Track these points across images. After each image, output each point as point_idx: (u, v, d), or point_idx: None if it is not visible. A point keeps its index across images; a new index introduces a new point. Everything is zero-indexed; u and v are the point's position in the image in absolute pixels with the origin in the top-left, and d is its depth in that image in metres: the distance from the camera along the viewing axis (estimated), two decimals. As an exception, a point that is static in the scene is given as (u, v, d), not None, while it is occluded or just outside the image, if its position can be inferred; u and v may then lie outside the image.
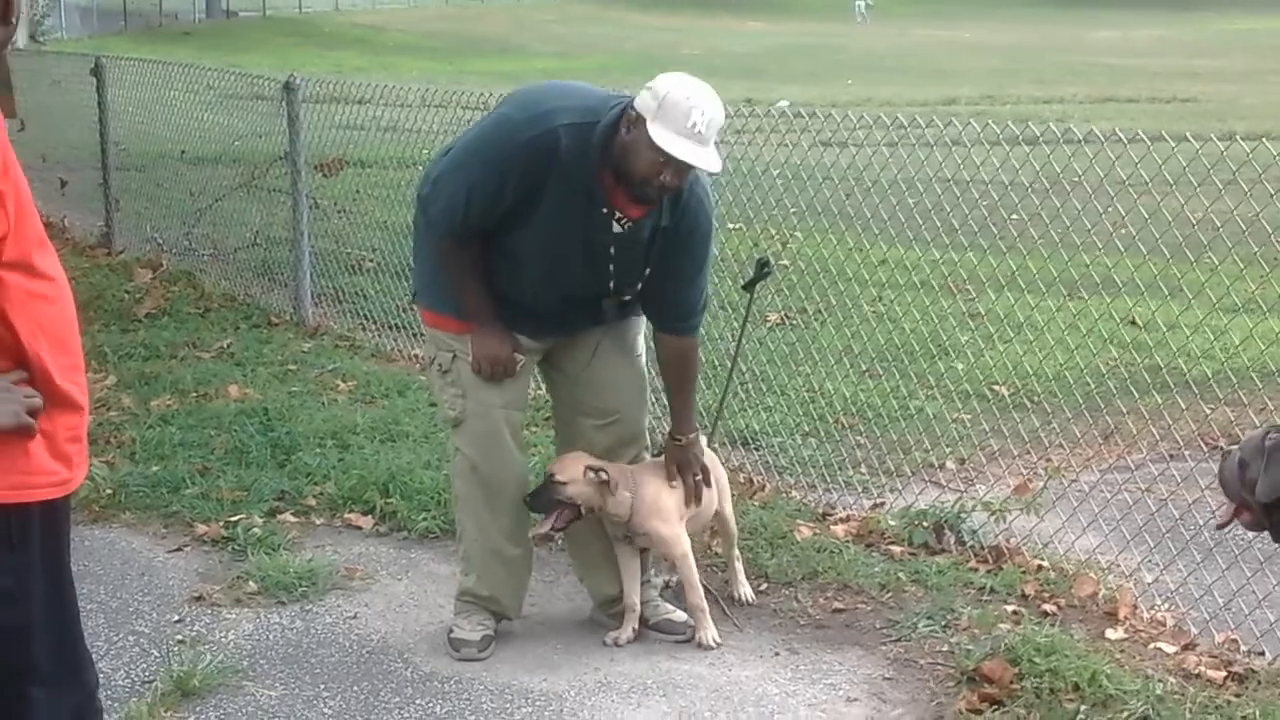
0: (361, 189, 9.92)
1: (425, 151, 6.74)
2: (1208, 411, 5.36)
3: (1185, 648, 4.32)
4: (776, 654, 4.42)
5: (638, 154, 3.88)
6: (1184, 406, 5.43)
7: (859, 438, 6.24)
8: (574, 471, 4.26)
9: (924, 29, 53.73)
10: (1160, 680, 4.09)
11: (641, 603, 4.47)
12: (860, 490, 5.71)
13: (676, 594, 4.66)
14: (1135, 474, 5.50)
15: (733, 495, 4.90)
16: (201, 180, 10.28)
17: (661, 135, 3.82)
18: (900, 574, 4.88)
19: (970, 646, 4.30)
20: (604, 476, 4.24)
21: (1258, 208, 4.74)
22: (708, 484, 4.50)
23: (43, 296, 2.65)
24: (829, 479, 5.78)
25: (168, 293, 9.09)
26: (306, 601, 4.75)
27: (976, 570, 4.91)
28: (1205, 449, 5.62)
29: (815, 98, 24.06)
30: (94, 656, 3.07)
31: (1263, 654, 4.29)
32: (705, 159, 3.88)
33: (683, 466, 4.44)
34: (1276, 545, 2.94)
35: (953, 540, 5.13)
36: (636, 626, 4.46)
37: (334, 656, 4.38)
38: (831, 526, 5.33)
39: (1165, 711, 3.93)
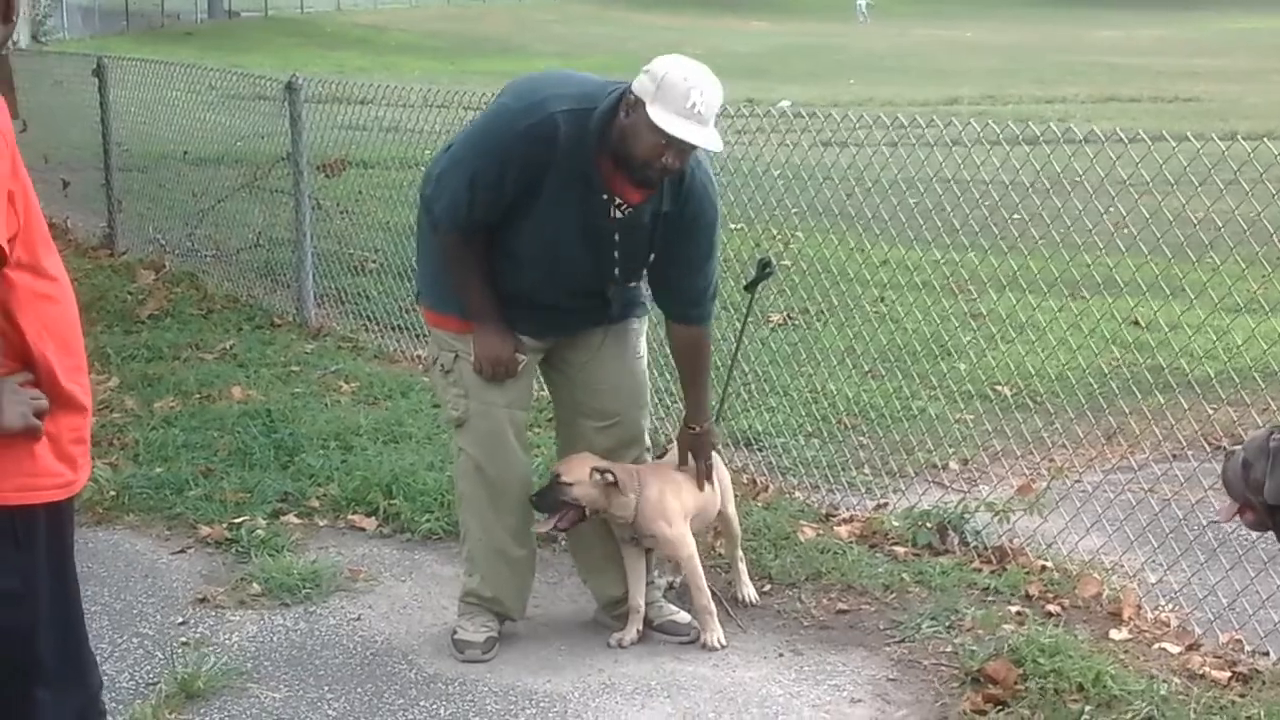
0: (364, 189, 9.93)
1: (427, 152, 6.73)
2: (1210, 411, 5.36)
3: (1189, 648, 4.32)
4: (780, 655, 4.42)
5: (638, 137, 3.89)
6: (1187, 406, 5.43)
7: (862, 438, 6.24)
8: (580, 473, 4.26)
9: (925, 29, 53.72)
10: (1165, 681, 4.09)
11: (646, 604, 4.47)
12: (863, 491, 5.71)
13: (680, 595, 4.66)
14: (1138, 474, 5.50)
15: (736, 496, 4.90)
16: (204, 181, 10.28)
17: (661, 116, 3.82)
18: (904, 575, 4.88)
19: (974, 647, 4.29)
20: (610, 478, 4.24)
21: (1259, 207, 4.74)
22: (710, 479, 4.51)
23: (48, 297, 2.66)
24: (832, 480, 5.78)
25: (170, 294, 9.09)
26: (310, 603, 4.75)
27: (980, 571, 4.91)
28: (1208, 449, 5.62)
29: (816, 98, 24.07)
30: (98, 658, 3.09)
31: (1267, 654, 4.29)
32: (706, 138, 3.89)
33: (696, 454, 4.47)
34: (1280, 546, 2.94)
35: (956, 541, 5.13)
36: (641, 628, 4.46)
37: (338, 658, 4.38)
38: (835, 527, 5.33)
39: (1170, 712, 3.93)
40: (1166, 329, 6.22)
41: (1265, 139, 4.87)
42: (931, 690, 4.17)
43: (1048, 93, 28.24)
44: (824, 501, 5.62)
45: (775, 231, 6.93)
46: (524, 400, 4.38)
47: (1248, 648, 4.33)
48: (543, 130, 3.94)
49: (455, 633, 4.44)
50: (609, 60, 35.07)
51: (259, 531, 5.21)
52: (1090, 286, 6.21)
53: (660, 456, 4.62)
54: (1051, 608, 4.62)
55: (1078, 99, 26.98)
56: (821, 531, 5.28)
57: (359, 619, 4.67)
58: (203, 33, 43.03)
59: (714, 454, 4.73)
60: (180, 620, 4.62)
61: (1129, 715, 3.92)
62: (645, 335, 4.53)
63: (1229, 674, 4.14)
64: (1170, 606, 4.62)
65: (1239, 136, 5.14)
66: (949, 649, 4.37)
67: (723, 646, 4.42)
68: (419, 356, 7.59)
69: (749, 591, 4.75)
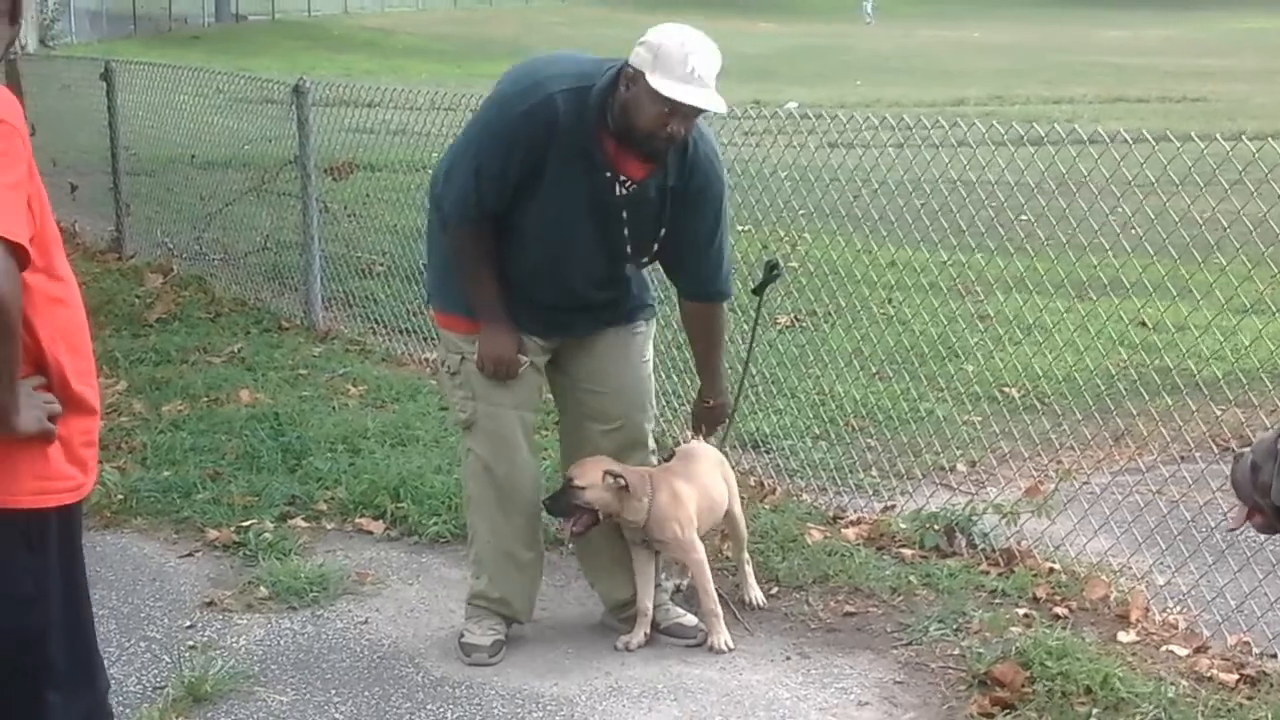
0: (371, 193, 9.93)
1: (435, 155, 6.73)
2: (1218, 413, 5.35)
3: (1197, 650, 4.31)
4: (787, 658, 4.42)
5: (641, 108, 3.90)
6: (1194, 408, 5.42)
7: (869, 440, 6.24)
8: (593, 476, 4.26)
9: (930, 29, 53.67)
10: (1172, 683, 4.09)
11: (653, 607, 4.47)
12: (871, 493, 5.71)
13: (687, 598, 4.66)
14: (1146, 476, 5.49)
15: (743, 498, 4.90)
16: (212, 184, 10.30)
17: (662, 84, 3.84)
18: (911, 577, 4.88)
19: (981, 650, 4.29)
20: (623, 482, 4.24)
21: (1266, 207, 4.73)
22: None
23: (60, 300, 2.69)
24: (840, 482, 5.77)
25: (178, 297, 9.10)
26: (318, 607, 4.75)
27: (988, 573, 4.91)
28: (1216, 450, 5.60)
29: (823, 99, 24.04)
30: (105, 662, 3.09)
31: (1275, 656, 4.28)
32: (709, 100, 3.89)
33: (708, 426, 4.59)
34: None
35: (964, 543, 5.12)
36: (648, 631, 4.46)
37: (345, 662, 4.38)
38: (842, 530, 5.32)
39: (1177, 715, 3.93)
40: (1174, 330, 6.20)
41: (1272, 139, 4.85)
42: (939, 693, 4.17)
43: (1055, 93, 28.19)
44: (831, 504, 5.61)
45: (783, 233, 6.93)
46: (532, 402, 4.38)
47: (1256, 650, 4.32)
48: (542, 111, 3.96)
49: (462, 636, 4.44)
50: (616, 62, 34.98)
51: (266, 535, 5.21)
52: (1097, 287, 6.17)
53: (667, 459, 4.62)
54: (1059, 610, 4.61)
55: (1085, 99, 26.93)
56: (829, 534, 5.27)
57: (366, 622, 4.67)
58: (210, 36, 43.04)
59: (721, 456, 4.74)
60: (188, 624, 4.63)
61: (1136, 718, 3.92)
62: (652, 339, 4.53)
63: (1237, 676, 4.13)
64: (1178, 609, 4.61)
65: (1246, 136, 5.14)
66: (956, 651, 4.37)
67: (730, 649, 4.42)
68: (427, 359, 7.59)
69: (756, 594, 4.75)
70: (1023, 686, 4.06)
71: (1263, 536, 3.42)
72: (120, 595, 4.83)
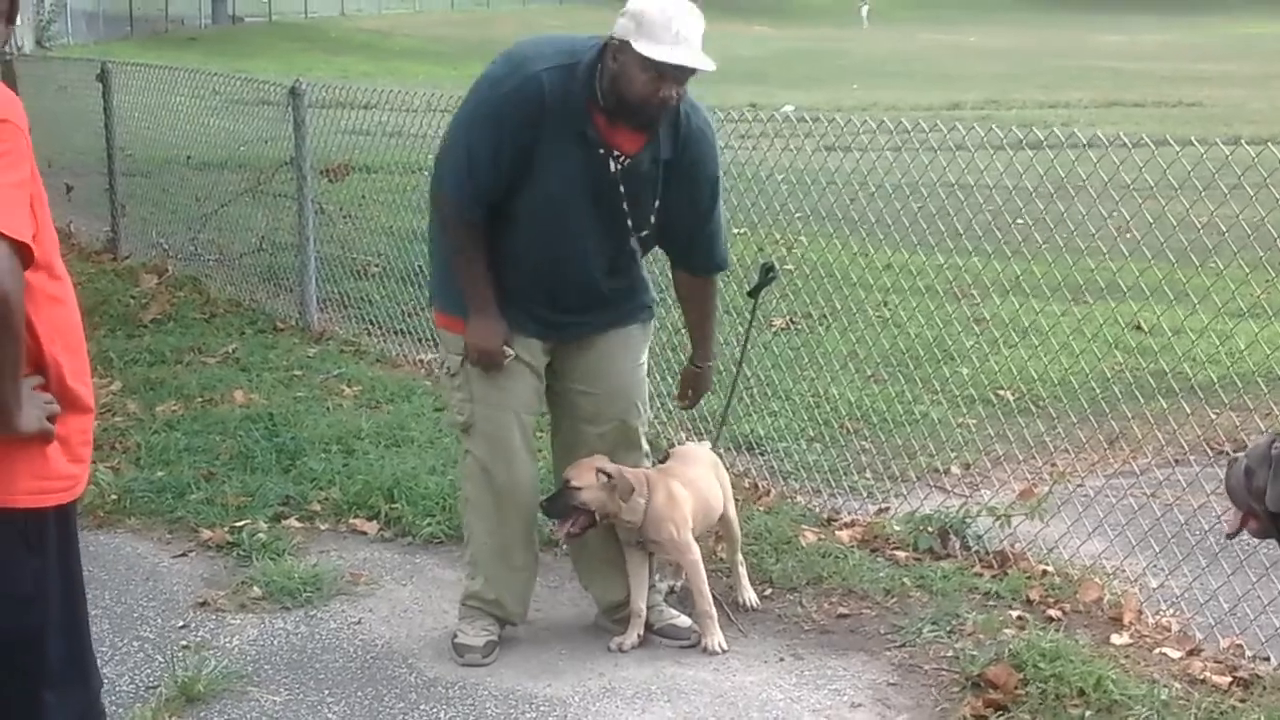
0: (367, 194, 9.93)
1: (431, 157, 6.74)
2: (1213, 416, 5.36)
3: (1190, 653, 4.31)
4: (781, 659, 4.41)
5: (631, 77, 3.92)
6: (1189, 411, 5.42)
7: (864, 443, 6.24)
8: (590, 477, 4.26)
9: (927, 33, 53.74)
10: (1165, 686, 4.09)
11: (647, 608, 4.47)
12: (865, 495, 5.71)
13: (681, 599, 4.66)
14: (1140, 479, 5.49)
15: (737, 500, 4.90)
16: (207, 185, 10.30)
17: (649, 49, 3.86)
18: (905, 579, 4.88)
19: (975, 652, 4.29)
20: (609, 479, 4.24)
21: (1263, 212, 4.73)
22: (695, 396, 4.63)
23: (58, 299, 2.70)
24: (834, 484, 5.77)
25: (173, 298, 9.09)
26: (311, 607, 4.75)
27: (981, 575, 4.91)
28: (1210, 454, 5.61)
29: (819, 102, 24.05)
30: (99, 662, 3.09)
31: (1268, 659, 4.28)
32: (698, 59, 3.92)
33: (696, 390, 4.60)
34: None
35: (958, 545, 5.12)
36: (642, 632, 4.45)
37: (338, 662, 4.38)
38: (836, 531, 5.32)
39: (1170, 717, 3.93)
40: (1169, 334, 6.21)
41: (1269, 144, 4.85)
42: (932, 695, 4.17)
43: (1051, 98, 28.24)
44: (825, 506, 5.61)
45: (779, 236, 6.94)
46: (530, 405, 4.37)
47: (1249, 653, 4.33)
48: (528, 89, 3.98)
49: (455, 636, 4.43)
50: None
51: (260, 535, 5.21)
52: (1093, 291, 6.20)
53: (662, 461, 4.62)
54: (1052, 612, 4.61)
55: (1081, 104, 26.97)
56: (823, 536, 5.27)
57: (360, 623, 4.66)
58: (207, 38, 43.04)
59: (715, 457, 4.74)
60: (181, 624, 4.62)
61: (1130, 720, 3.92)
62: (648, 341, 4.53)
63: (1230, 679, 4.13)
64: (1171, 611, 4.62)
65: (1242, 141, 5.14)
66: (950, 654, 4.37)
67: (723, 651, 4.42)
68: (421, 360, 7.60)
69: (750, 596, 4.75)
70: (1016, 688, 4.06)
71: (1256, 540, 3.41)
72: (114, 595, 4.83)
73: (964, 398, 6.45)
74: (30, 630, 2.75)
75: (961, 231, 5.94)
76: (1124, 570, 4.92)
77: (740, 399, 6.36)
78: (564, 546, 4.77)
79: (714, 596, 4.52)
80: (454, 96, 8.52)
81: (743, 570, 4.78)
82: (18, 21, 2.75)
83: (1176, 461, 5.66)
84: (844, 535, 5.28)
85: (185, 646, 4.43)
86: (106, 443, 6.08)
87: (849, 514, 5.51)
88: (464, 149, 4.10)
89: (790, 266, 7.25)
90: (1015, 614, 4.59)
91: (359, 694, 4.17)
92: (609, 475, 4.24)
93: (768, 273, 4.82)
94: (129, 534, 5.39)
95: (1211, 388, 5.56)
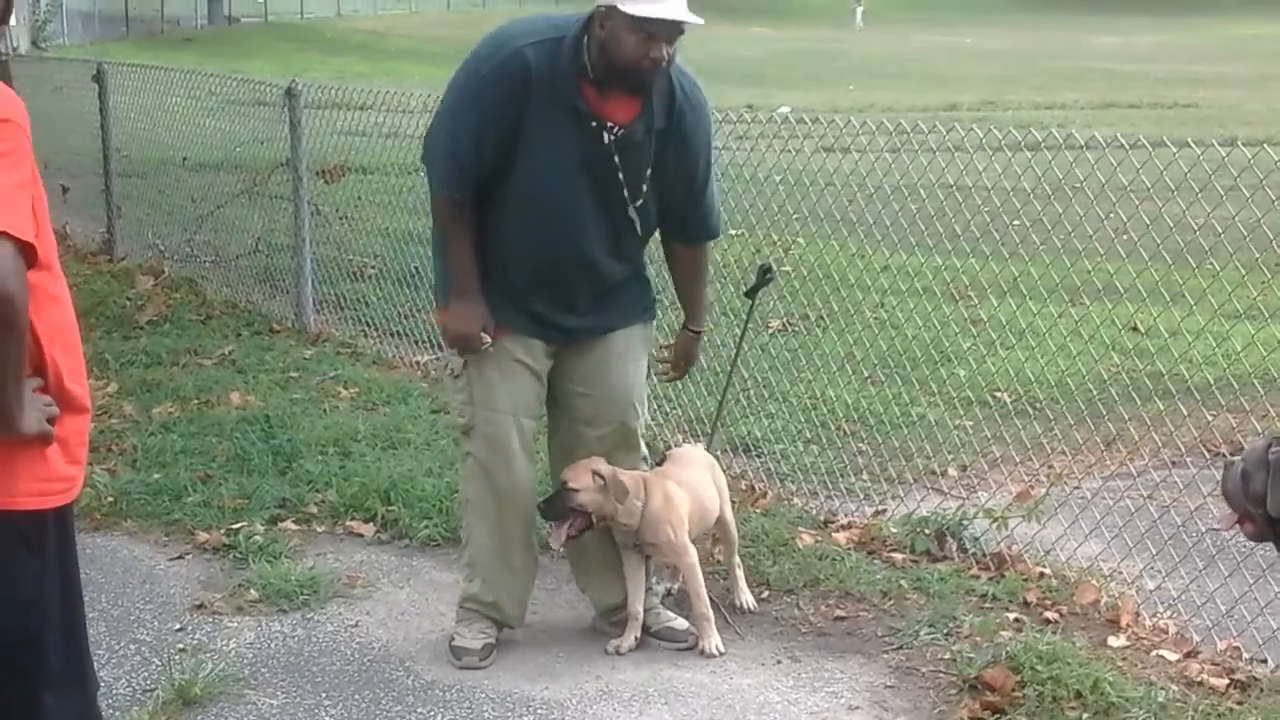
0: (363, 195, 9.93)
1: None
2: (1210, 418, 5.36)
3: (1187, 655, 4.32)
4: (778, 662, 4.41)
5: (620, 40, 3.93)
6: (1186, 413, 5.43)
7: (861, 444, 6.24)
8: (587, 479, 4.26)
9: (923, 35, 53.77)
10: (1162, 688, 4.09)
11: (644, 611, 4.47)
12: (862, 497, 5.71)
13: (678, 602, 4.66)
14: (1137, 481, 5.50)
15: (734, 502, 4.89)
16: (203, 187, 10.28)
17: (635, 7, 3.88)
18: (902, 581, 4.88)
19: (972, 654, 4.29)
20: (602, 481, 4.23)
21: (1259, 213, 4.74)
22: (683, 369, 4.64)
23: (56, 299, 2.70)
24: (831, 486, 5.77)
25: (169, 300, 9.08)
26: (308, 609, 4.74)
27: (978, 577, 4.91)
28: (1207, 456, 5.62)
29: (817, 103, 24.06)
30: (95, 664, 3.08)
31: (1265, 661, 4.28)
32: (685, 12, 3.93)
33: (688, 359, 4.61)
34: (1280, 553, 2.93)
35: (955, 547, 5.12)
36: (639, 635, 4.45)
37: (335, 665, 4.37)
38: (833, 534, 5.32)
39: (1168, 719, 3.92)
40: (1166, 335, 6.22)
41: (1264, 145, 4.85)
42: (929, 697, 4.17)
43: (1047, 99, 28.27)
44: (822, 508, 5.61)
45: (776, 237, 6.93)
46: (529, 408, 4.35)
47: (1246, 655, 4.33)
48: (511, 65, 4.00)
49: (453, 639, 4.43)
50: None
51: (257, 538, 5.20)
52: (1090, 292, 6.19)
53: (659, 464, 4.61)
54: (1049, 615, 4.61)
55: (1077, 105, 27.01)
56: (820, 538, 5.27)
57: (356, 625, 4.66)
58: (203, 39, 43.01)
59: (711, 459, 4.74)
60: (178, 626, 4.62)
61: (1127, 723, 3.92)
62: (650, 342, 4.52)
63: (1227, 681, 4.14)
64: (1168, 613, 4.62)
65: (1238, 142, 5.14)
66: (947, 656, 4.37)
67: (720, 653, 4.41)
68: (418, 362, 7.59)
69: (747, 598, 4.74)
70: (1013, 691, 4.06)
71: (1252, 542, 3.41)
72: (110, 598, 4.82)
73: (961, 399, 6.45)
74: (30, 632, 2.75)
75: (959, 233, 5.95)
76: (1121, 572, 4.92)
77: (737, 401, 6.36)
78: (561, 549, 4.76)
79: (711, 599, 4.52)
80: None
81: (740, 573, 4.77)
82: (12, 21, 2.74)
83: (1173, 463, 5.66)
84: (841, 537, 5.28)
85: (182, 649, 4.42)
86: (103, 445, 6.07)
87: (846, 516, 5.51)
88: (448, 130, 4.12)
89: (787, 268, 7.25)
90: (1012, 616, 4.60)
91: (356, 697, 4.16)
92: (603, 477, 4.24)
93: (765, 274, 4.82)
94: (125, 536, 5.38)
95: (1208, 389, 5.56)
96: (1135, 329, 7.27)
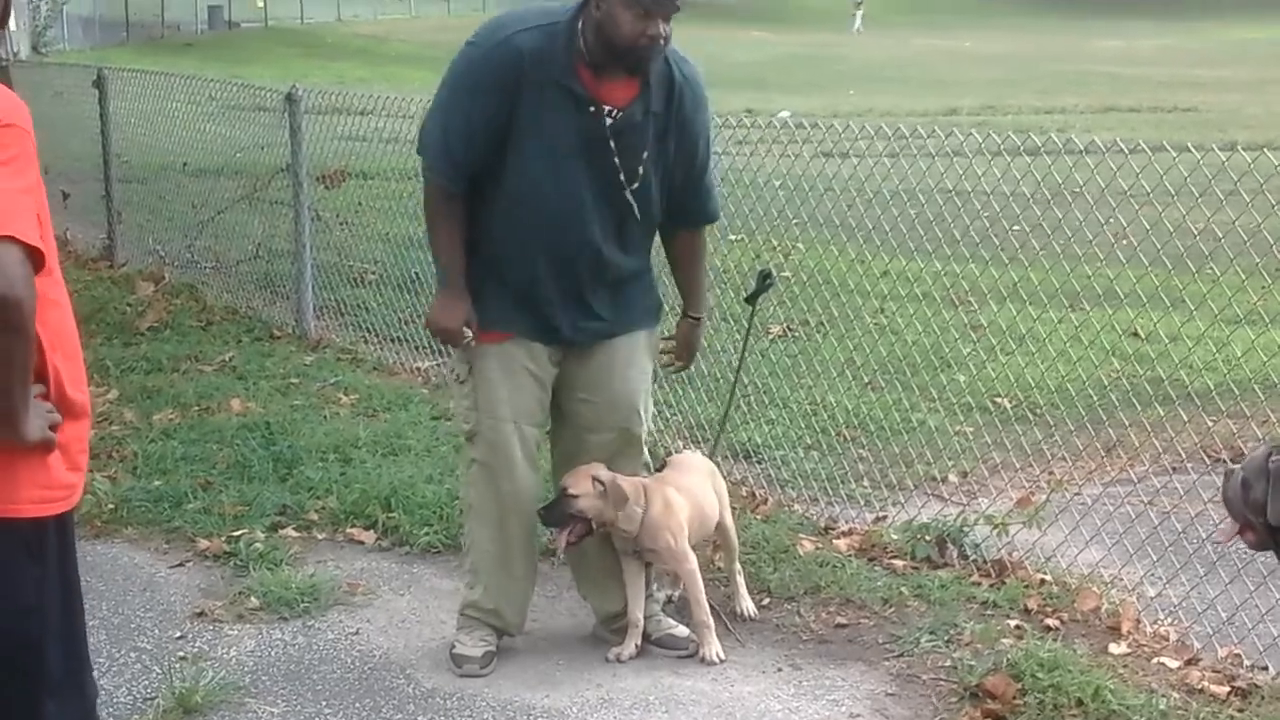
0: (364, 201, 9.93)
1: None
2: (1210, 424, 5.35)
3: (1188, 663, 4.31)
4: (779, 669, 4.41)
5: (616, 20, 3.93)
6: (1186, 419, 5.42)
7: (861, 451, 6.23)
8: (587, 485, 4.25)
9: (923, 39, 53.80)
10: (1164, 695, 4.08)
11: (644, 618, 4.46)
12: (862, 504, 5.70)
13: (679, 609, 4.65)
14: (1138, 487, 5.49)
15: (734, 509, 4.89)
16: (204, 192, 10.28)
17: None
18: (903, 588, 4.87)
19: (973, 661, 4.28)
20: (602, 487, 4.23)
21: (1259, 218, 4.73)
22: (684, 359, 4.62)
23: (57, 303, 2.70)
24: (831, 492, 5.77)
25: (170, 306, 9.08)
26: (308, 617, 4.74)
27: (979, 584, 4.90)
28: (1208, 462, 5.61)
29: (816, 108, 24.06)
30: (96, 672, 3.08)
31: (1266, 669, 4.28)
32: None
33: (690, 348, 4.59)
34: (1280, 560, 2.92)
35: (955, 554, 5.12)
36: (639, 642, 4.45)
37: (336, 673, 4.37)
38: (834, 540, 5.31)
39: (1169, 727, 3.92)
40: (1166, 341, 6.21)
41: (1265, 149, 4.85)
42: (930, 705, 4.16)
43: (1047, 103, 28.28)
44: (823, 514, 5.61)
45: (775, 243, 6.94)
46: (534, 416, 4.34)
47: (1247, 662, 4.32)
48: (503, 52, 4.01)
49: (453, 647, 4.42)
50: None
51: (257, 545, 5.20)
52: (1090, 298, 6.19)
53: (659, 470, 4.61)
54: (1050, 622, 4.61)
55: (1077, 109, 27.01)
56: (820, 545, 5.27)
57: (357, 633, 4.65)
58: (203, 44, 43.05)
59: (712, 465, 4.73)
60: (178, 634, 4.61)
61: (1128, 730, 3.92)
62: (655, 348, 4.51)
63: (1228, 689, 4.13)
64: (1169, 620, 4.61)
65: (1239, 147, 5.14)
66: (948, 663, 4.36)
67: (721, 661, 4.41)
68: (418, 369, 7.59)
69: (747, 605, 4.74)
70: (1014, 698, 4.06)
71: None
72: (110, 605, 4.82)
73: (961, 405, 6.45)
74: (31, 638, 2.75)
75: (959, 238, 5.94)
76: (1122, 579, 4.92)
77: (738, 407, 6.36)
78: (562, 556, 4.76)
79: (711, 606, 4.52)
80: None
81: (740, 579, 4.77)
82: (11, 26, 2.74)
83: (1174, 469, 5.65)
84: (841, 544, 5.27)
85: (182, 657, 4.42)
86: (103, 452, 6.07)
87: (846, 522, 5.50)
88: (439, 121, 4.13)
89: (787, 273, 7.25)
90: (1013, 623, 4.59)
91: (356, 705, 4.16)
92: (603, 483, 4.24)
93: (765, 279, 4.82)
94: (126, 544, 5.37)
95: (1208, 395, 5.55)
96: (1135, 334, 7.27)
